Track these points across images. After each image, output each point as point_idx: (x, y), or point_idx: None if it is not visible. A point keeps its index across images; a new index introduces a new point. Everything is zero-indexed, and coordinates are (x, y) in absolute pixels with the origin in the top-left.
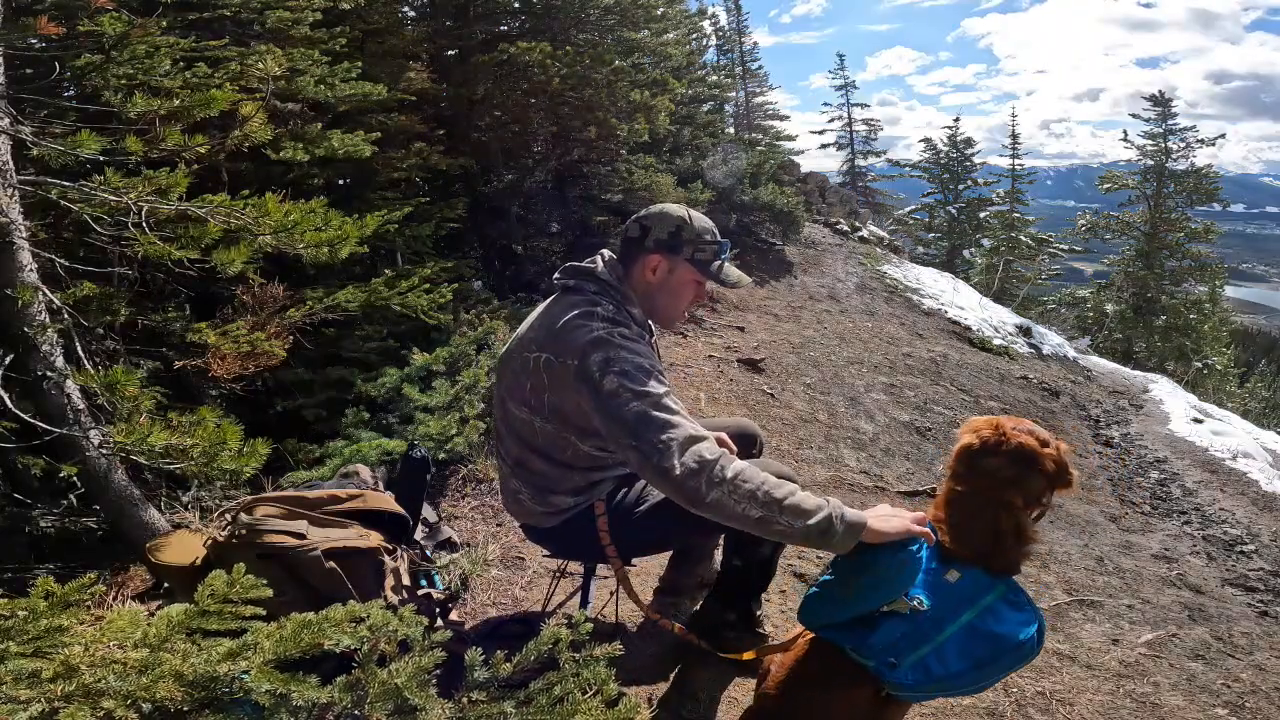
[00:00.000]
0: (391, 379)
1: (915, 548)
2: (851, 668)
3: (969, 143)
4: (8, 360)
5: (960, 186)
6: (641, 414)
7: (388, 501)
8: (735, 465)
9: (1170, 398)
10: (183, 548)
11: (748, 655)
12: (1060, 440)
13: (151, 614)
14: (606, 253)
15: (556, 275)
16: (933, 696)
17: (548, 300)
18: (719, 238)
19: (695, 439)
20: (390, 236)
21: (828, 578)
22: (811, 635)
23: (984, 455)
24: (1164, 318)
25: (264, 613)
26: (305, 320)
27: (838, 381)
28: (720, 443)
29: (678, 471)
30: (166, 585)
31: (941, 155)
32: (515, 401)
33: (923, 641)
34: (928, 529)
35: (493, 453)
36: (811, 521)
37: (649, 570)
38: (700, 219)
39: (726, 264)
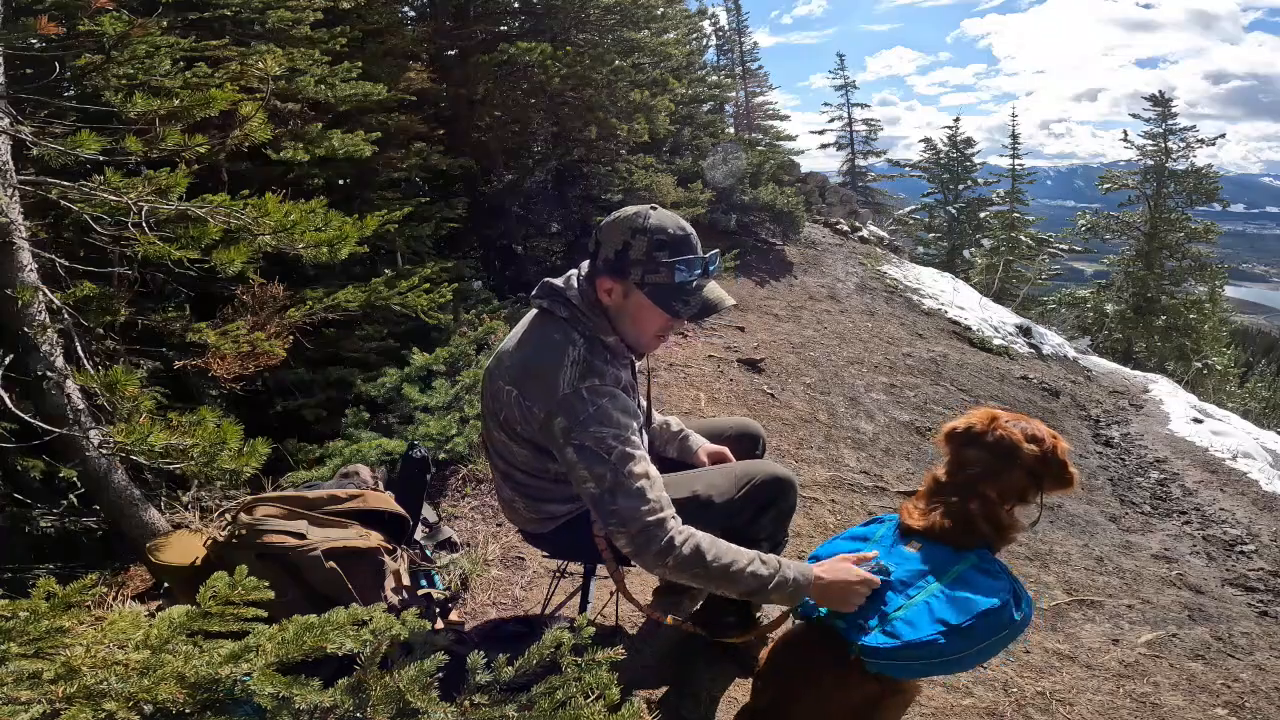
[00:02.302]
0: (391, 379)
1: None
2: (834, 647)
3: (969, 143)
4: (8, 360)
5: (960, 186)
6: (595, 496)
7: (388, 501)
8: (678, 553)
9: (1170, 398)
10: (183, 548)
11: (743, 639)
12: (1060, 439)
13: (152, 614)
14: (584, 266)
15: (535, 292)
16: (913, 669)
17: (528, 319)
18: (683, 252)
19: (646, 531)
20: (390, 236)
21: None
22: (800, 623)
23: (966, 444)
24: (1164, 318)
25: (265, 614)
26: (305, 320)
27: (838, 381)
28: (719, 456)
29: (623, 546)
30: (167, 585)
31: (941, 155)
32: (494, 425)
33: (889, 606)
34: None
35: None
36: (754, 586)
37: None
38: (658, 226)
39: (696, 283)
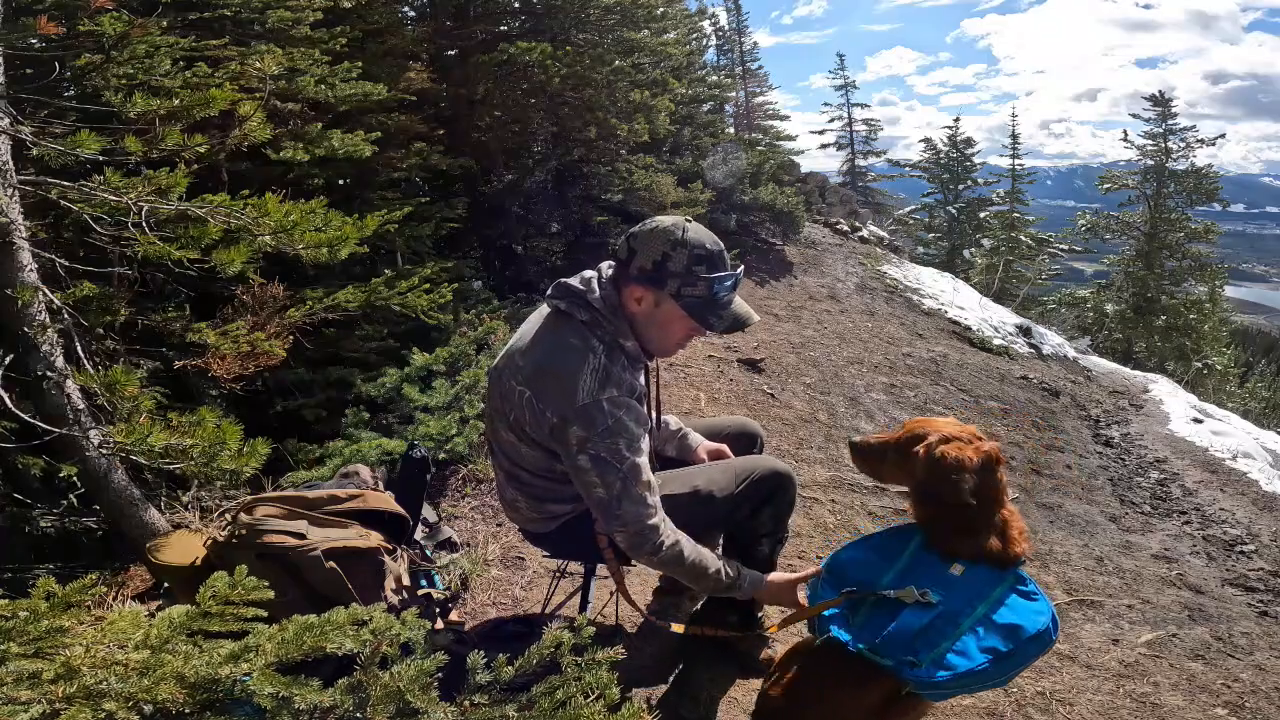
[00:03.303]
0: (391, 379)
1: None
2: (864, 668)
3: (969, 143)
4: (8, 360)
5: (960, 186)
6: (603, 501)
7: (388, 501)
8: (665, 552)
9: (1170, 398)
10: (183, 548)
11: (772, 629)
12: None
13: (152, 614)
14: (605, 268)
15: (549, 292)
16: (957, 693)
17: (541, 318)
18: (719, 268)
19: (643, 533)
20: (390, 236)
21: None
22: (821, 639)
23: (954, 473)
24: (1164, 318)
25: (265, 614)
26: (305, 320)
27: (838, 381)
28: (719, 454)
29: (620, 542)
30: (167, 585)
31: (941, 155)
32: (502, 425)
33: (940, 637)
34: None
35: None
36: (717, 585)
37: (648, 569)
38: (697, 241)
39: (728, 298)
